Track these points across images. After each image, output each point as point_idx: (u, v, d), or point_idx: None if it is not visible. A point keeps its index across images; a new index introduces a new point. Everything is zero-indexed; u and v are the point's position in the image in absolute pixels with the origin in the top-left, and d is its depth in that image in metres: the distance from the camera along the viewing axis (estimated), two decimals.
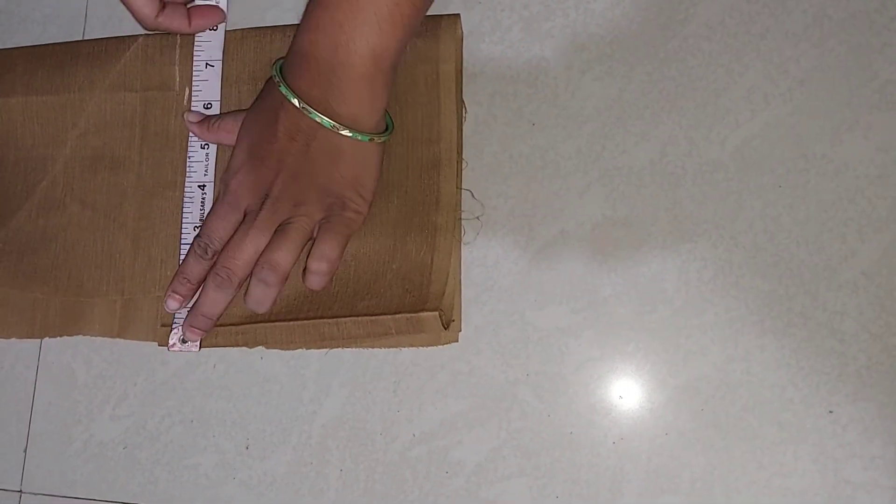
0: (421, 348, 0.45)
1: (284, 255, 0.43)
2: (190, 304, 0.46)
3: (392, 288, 0.44)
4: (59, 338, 0.49)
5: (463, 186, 0.46)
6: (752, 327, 0.41)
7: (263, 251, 0.44)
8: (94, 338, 0.48)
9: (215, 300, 0.45)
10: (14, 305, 0.49)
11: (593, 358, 0.43)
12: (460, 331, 0.44)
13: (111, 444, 0.47)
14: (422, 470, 0.43)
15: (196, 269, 0.45)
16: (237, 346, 0.46)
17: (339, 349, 0.46)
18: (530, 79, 0.46)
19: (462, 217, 0.45)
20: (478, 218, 0.46)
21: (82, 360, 0.49)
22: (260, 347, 0.46)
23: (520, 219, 0.45)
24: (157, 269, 0.48)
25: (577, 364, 0.43)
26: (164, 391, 0.47)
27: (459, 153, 0.46)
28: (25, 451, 0.49)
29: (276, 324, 0.45)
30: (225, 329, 0.46)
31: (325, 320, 0.44)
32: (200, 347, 0.46)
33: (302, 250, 0.44)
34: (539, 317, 0.44)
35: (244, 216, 0.44)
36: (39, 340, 0.49)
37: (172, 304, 0.46)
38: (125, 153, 0.50)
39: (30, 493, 0.48)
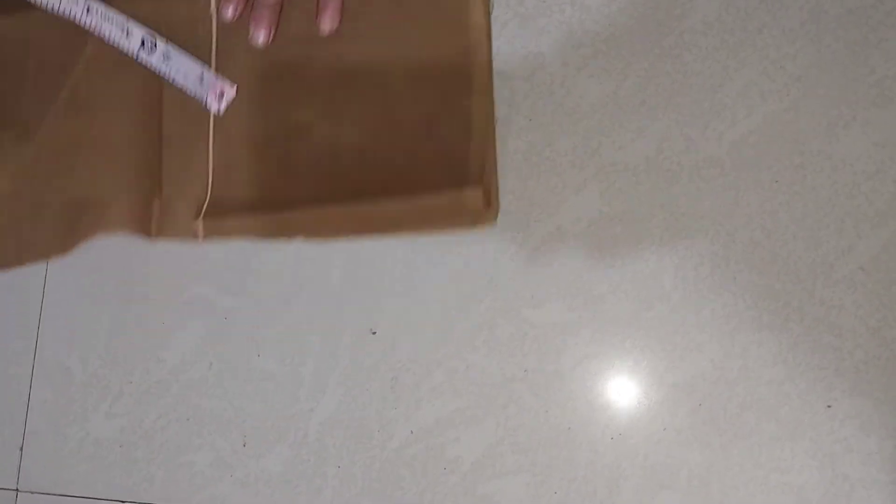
0: (419, 347, 0.45)
1: None
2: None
3: (429, 170, 0.44)
4: (59, 332, 0.49)
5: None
6: (749, 323, 0.41)
7: None
8: (88, 336, 0.48)
9: None
10: (48, 217, 0.50)
11: (590, 355, 0.43)
12: (498, 213, 0.44)
13: (107, 443, 0.47)
14: (419, 467, 0.43)
15: None
16: (272, 236, 0.46)
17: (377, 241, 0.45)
18: (526, 75, 0.46)
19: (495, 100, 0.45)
20: (508, 98, 0.45)
21: (78, 357, 0.49)
22: (258, 344, 0.46)
23: (516, 215, 0.45)
24: (191, 169, 0.48)
25: (575, 361, 0.43)
26: (159, 389, 0.47)
27: (488, 38, 0.46)
28: (21, 449, 0.48)
29: (313, 209, 0.45)
30: (259, 218, 0.46)
31: (364, 203, 0.44)
32: (244, 237, 0.46)
33: None
34: (536, 314, 0.44)
35: None
36: (35, 337, 0.49)
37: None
38: None
39: (26, 491, 0.48)
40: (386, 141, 0.45)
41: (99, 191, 0.49)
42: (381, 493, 0.43)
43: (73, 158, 0.49)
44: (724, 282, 0.42)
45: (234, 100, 0.47)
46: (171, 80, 0.48)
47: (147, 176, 0.49)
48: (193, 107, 0.49)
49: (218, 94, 0.46)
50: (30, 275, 0.52)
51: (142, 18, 0.49)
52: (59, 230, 0.49)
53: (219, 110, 0.47)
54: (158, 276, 0.50)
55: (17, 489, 0.48)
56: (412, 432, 0.44)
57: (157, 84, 0.49)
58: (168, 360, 0.48)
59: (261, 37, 0.46)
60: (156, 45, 0.46)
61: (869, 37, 0.43)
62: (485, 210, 0.42)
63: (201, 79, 0.46)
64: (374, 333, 0.46)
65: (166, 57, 0.47)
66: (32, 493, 0.48)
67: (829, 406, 0.40)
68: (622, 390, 0.42)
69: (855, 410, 0.40)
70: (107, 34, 0.48)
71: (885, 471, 0.39)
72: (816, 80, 0.43)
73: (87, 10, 0.46)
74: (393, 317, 0.46)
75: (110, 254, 0.51)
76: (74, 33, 0.50)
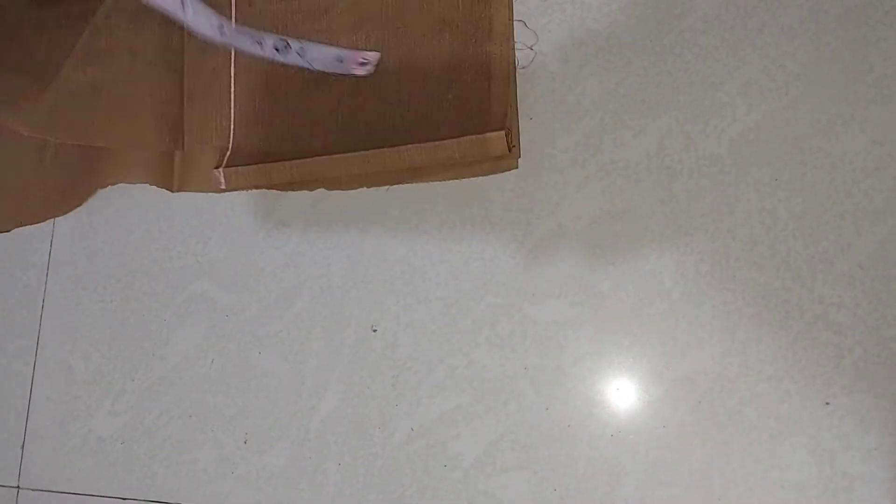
0: (420, 344, 0.45)
1: None
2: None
3: (450, 116, 0.44)
4: (61, 329, 0.49)
5: (515, 18, 0.46)
6: (748, 320, 0.42)
7: None
8: (90, 334, 0.49)
9: None
10: (67, 163, 0.50)
11: (591, 351, 0.43)
12: (519, 157, 0.44)
13: (109, 440, 0.47)
14: (420, 464, 0.43)
15: None
16: (293, 187, 0.46)
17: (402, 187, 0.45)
18: (527, 73, 0.47)
19: (516, 48, 0.46)
20: (531, 48, 0.46)
21: (80, 355, 0.49)
22: (260, 341, 0.46)
23: (517, 213, 0.45)
24: (212, 121, 0.49)
25: (575, 357, 0.43)
26: (162, 386, 0.47)
27: None
28: (23, 446, 0.48)
29: (333, 158, 0.45)
30: (280, 168, 0.46)
31: (385, 149, 0.44)
32: (266, 187, 0.47)
33: None
34: (537, 310, 0.44)
35: None
36: (37, 335, 0.49)
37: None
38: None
39: (28, 488, 0.48)
40: (406, 89, 0.45)
41: (117, 140, 0.49)
42: (382, 489, 0.43)
43: (92, 107, 0.49)
44: (723, 279, 0.42)
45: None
46: (311, 69, 0.48)
47: (168, 128, 0.49)
48: (214, 61, 0.49)
49: (359, 63, 0.46)
50: (31, 272, 0.52)
51: None
52: (78, 177, 0.50)
53: (369, 73, 0.46)
54: (160, 273, 0.50)
55: (18, 486, 0.48)
56: (413, 429, 0.44)
57: (178, 40, 0.50)
58: (170, 358, 0.48)
59: None
60: (289, 46, 0.47)
61: (868, 35, 0.43)
62: (507, 154, 0.42)
63: (339, 59, 0.46)
64: (376, 331, 0.46)
65: (301, 53, 0.47)
66: (34, 490, 0.48)
67: (827, 403, 0.40)
68: (622, 387, 0.42)
69: (854, 407, 0.40)
70: (240, 46, 0.48)
71: (885, 467, 0.39)
72: (816, 79, 0.43)
73: (221, 29, 0.47)
74: (394, 314, 0.46)
75: (111, 251, 0.51)
76: None
